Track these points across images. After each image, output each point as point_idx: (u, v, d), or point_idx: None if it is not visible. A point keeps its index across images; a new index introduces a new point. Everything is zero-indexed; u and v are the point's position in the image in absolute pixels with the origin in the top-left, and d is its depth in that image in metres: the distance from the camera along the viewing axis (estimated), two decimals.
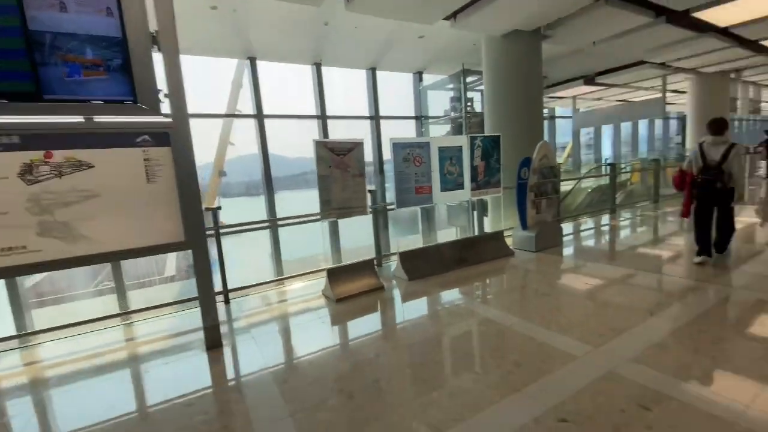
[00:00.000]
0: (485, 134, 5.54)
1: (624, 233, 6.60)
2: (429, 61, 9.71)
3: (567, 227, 7.32)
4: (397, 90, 11.50)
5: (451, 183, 4.98)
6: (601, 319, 3.05)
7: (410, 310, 3.75)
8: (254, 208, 9.15)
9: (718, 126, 4.03)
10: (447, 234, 10.62)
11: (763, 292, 3.38)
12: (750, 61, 10.10)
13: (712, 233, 4.26)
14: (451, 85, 11.75)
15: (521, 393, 2.17)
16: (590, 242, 6.13)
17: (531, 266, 4.79)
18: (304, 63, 8.56)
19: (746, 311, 3.08)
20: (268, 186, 8.22)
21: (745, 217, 6.59)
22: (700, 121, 11.52)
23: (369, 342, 3.03)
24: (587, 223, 7.63)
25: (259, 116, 8.01)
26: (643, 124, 20.73)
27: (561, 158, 17.88)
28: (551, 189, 5.56)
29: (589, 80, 11.43)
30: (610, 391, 2.13)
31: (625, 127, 19.95)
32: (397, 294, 4.13)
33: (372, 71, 9.46)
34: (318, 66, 8.52)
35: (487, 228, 6.87)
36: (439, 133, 11.21)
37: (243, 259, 9.54)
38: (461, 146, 5.00)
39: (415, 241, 9.52)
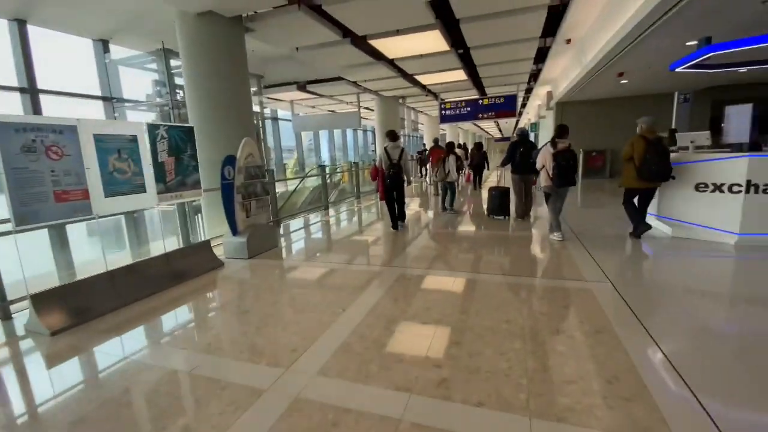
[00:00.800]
0: (172, 123, 4.51)
1: (334, 227, 7.22)
2: (117, 30, 7.46)
3: (291, 225, 7.35)
4: (73, 59, 8.36)
5: (124, 185, 3.70)
6: (298, 329, 2.85)
7: (41, 386, 2.37)
8: None
9: (394, 135, 6.03)
10: (169, 245, 8.68)
11: (426, 269, 4.20)
12: (409, 90, 13.59)
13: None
14: (154, 66, 9.67)
15: None
16: (305, 240, 6.28)
17: (239, 277, 4.25)
18: None
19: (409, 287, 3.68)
20: None
21: (414, 207, 8.63)
22: (382, 132, 14.60)
23: None
24: (307, 220, 7.95)
25: None
26: (350, 133, 24.82)
27: (291, 161, 18.70)
28: (261, 189, 5.22)
29: (301, 87, 12.17)
30: (295, 427, 1.82)
31: (338, 134, 23.26)
32: (16, 365, 2.59)
33: (19, 23, 6.33)
34: None
35: (209, 236, 5.87)
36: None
37: None
38: (135, 136, 3.79)
39: (122, 259, 7.18)
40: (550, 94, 14.38)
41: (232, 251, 4.86)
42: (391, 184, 5.84)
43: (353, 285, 3.74)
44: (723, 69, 6.17)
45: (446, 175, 7.37)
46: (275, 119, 16.74)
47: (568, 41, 8.19)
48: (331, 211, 8.83)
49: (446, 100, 13.81)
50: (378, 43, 8.03)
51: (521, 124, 33.11)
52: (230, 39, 6.15)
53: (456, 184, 7.72)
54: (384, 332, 2.72)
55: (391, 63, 9.62)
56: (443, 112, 13.88)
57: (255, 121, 9.52)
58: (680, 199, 4.88)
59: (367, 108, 16.43)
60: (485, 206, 7.47)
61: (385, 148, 5.81)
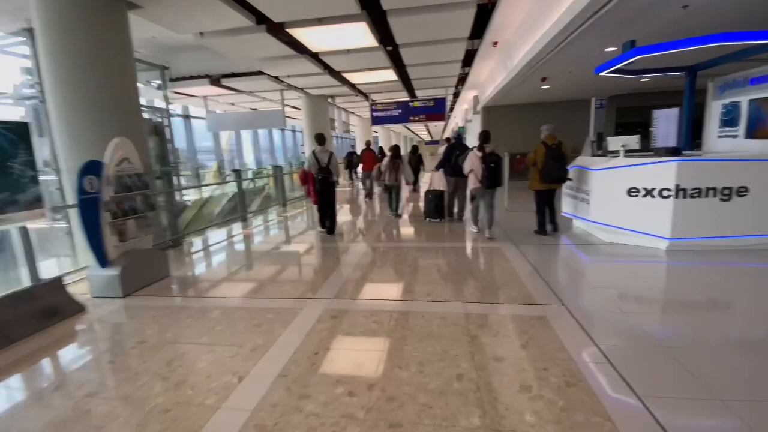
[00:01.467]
0: None
1: (251, 243, 6.20)
2: None
3: (197, 244, 6.13)
4: None
5: None
6: (167, 420, 1.94)
7: None
8: None
9: (322, 138, 5.97)
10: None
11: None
12: (338, 90, 12.82)
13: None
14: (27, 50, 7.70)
15: None
16: (208, 265, 5.18)
17: (100, 329, 3.13)
18: None
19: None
20: None
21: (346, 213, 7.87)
22: (311, 133, 13.64)
23: None
24: (224, 234, 6.78)
25: None
26: (278, 134, 23.25)
27: (214, 165, 16.77)
28: (143, 205, 4.06)
29: (215, 81, 10.74)
30: None
31: (264, 135, 21.62)
32: None
33: None
34: None
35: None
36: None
37: None
38: None
39: None
40: (476, 99, 14.63)
41: (100, 288, 3.66)
42: (321, 188, 5.78)
43: (260, 333, 2.87)
44: (644, 74, 6.39)
45: (397, 180, 7.26)
46: (186, 117, 14.83)
47: (495, 44, 8.11)
48: (254, 222, 7.72)
49: (377, 102, 13.32)
50: (298, 33, 7.14)
51: (449, 129, 34.26)
52: (105, 13, 4.84)
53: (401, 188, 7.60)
54: (295, 418, 1.93)
55: (315, 57, 8.77)
56: (374, 113, 13.37)
57: (160, 119, 8.10)
58: (613, 203, 4.80)
59: (293, 107, 15.30)
60: (422, 208, 7.54)
61: (314, 152, 5.81)
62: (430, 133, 38.86)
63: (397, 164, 7.25)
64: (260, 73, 10.29)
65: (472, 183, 5.31)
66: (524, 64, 7.19)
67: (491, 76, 10.76)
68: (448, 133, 35.63)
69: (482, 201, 5.46)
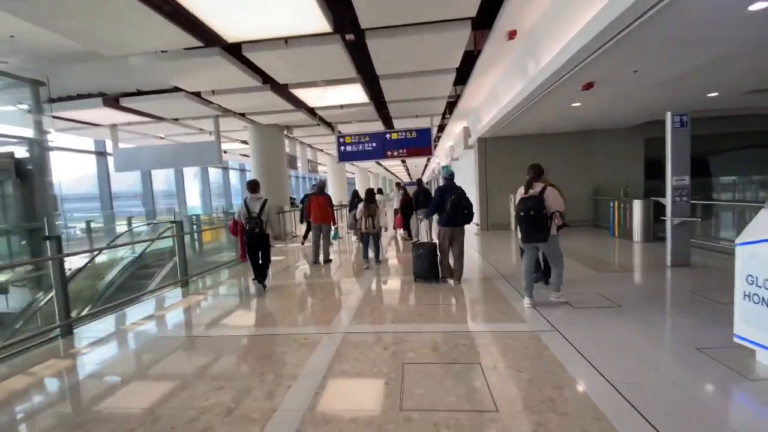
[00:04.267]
0: None
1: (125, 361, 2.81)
2: None
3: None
4: None
5: None
6: None
7: None
8: None
9: (254, 185, 5.28)
10: None
11: None
12: (293, 117, 10.00)
13: None
14: None
15: None
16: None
17: None
18: None
19: None
20: None
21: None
22: (260, 173, 10.57)
23: None
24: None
25: None
26: (236, 175, 20.12)
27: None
28: None
29: (110, 101, 7.67)
30: None
31: (216, 174, 18.42)
32: None
33: None
34: None
35: None
36: None
37: None
38: None
39: None
40: (467, 131, 12.11)
41: None
42: (249, 240, 5.09)
43: None
44: None
45: (374, 226, 6.54)
46: (101, 154, 11.55)
47: (512, 35, 5.48)
48: (138, 314, 4.34)
49: (345, 134, 10.54)
50: (208, 16, 4.25)
51: (429, 170, 32.03)
52: None
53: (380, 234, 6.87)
54: None
55: (241, 59, 5.89)
56: (342, 147, 10.51)
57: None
58: None
59: (244, 142, 12.32)
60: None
61: (245, 200, 5.15)
62: (409, 174, 36.51)
63: (372, 210, 6.54)
64: (176, 90, 7.33)
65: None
66: (563, 62, 4.47)
67: (494, 94, 8.14)
68: (429, 174, 33.35)
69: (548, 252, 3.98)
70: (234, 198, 18.83)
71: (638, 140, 10.01)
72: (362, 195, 7.21)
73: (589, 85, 5.23)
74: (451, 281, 5.19)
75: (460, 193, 5.02)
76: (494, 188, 10.52)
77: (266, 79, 6.90)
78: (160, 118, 9.21)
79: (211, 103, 8.06)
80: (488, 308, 4.01)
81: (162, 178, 15.34)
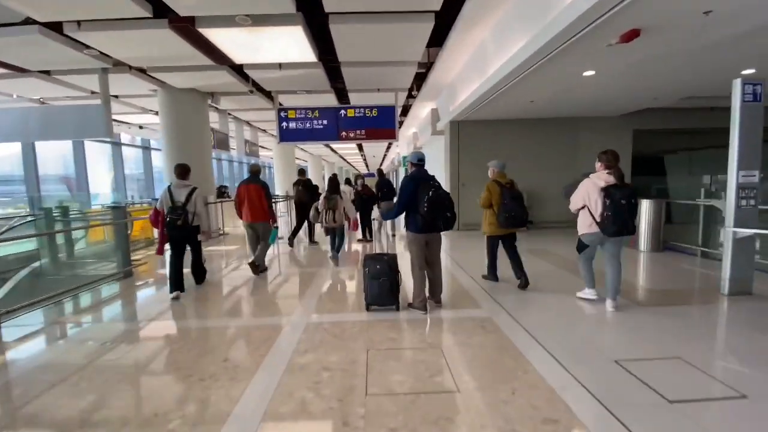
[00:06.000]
0: None
1: None
2: None
3: None
4: None
5: None
6: None
7: None
8: None
9: (183, 169, 4.50)
10: None
11: None
12: (214, 77, 7.68)
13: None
14: None
15: None
16: None
17: None
18: None
19: None
20: None
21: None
22: (170, 152, 8.14)
23: None
24: None
25: None
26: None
27: None
28: None
29: None
30: None
31: (137, 158, 15.20)
32: None
33: None
34: None
35: None
36: None
37: None
38: None
39: None
40: (435, 113, 10.42)
41: None
42: (171, 233, 4.38)
43: None
44: None
45: (335, 220, 5.86)
46: None
47: None
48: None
49: (288, 107, 8.37)
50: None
51: (388, 160, 30.12)
52: None
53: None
54: None
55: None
56: (283, 124, 8.36)
57: None
58: None
59: (152, 111, 9.66)
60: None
61: (169, 187, 4.45)
62: (367, 164, 34.39)
63: (333, 202, 5.85)
64: (29, 22, 4.84)
65: (586, 226, 3.53)
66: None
67: (480, 59, 6.43)
68: (388, 165, 31.39)
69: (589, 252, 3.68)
70: (157, 185, 15.73)
71: (626, 131, 8.88)
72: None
73: (632, 34, 3.62)
74: (419, 311, 3.54)
75: (437, 185, 3.54)
76: (468, 181, 8.92)
77: (160, 8, 4.63)
78: (21, 70, 6.48)
79: (86, 47, 5.58)
80: (505, 372, 2.28)
81: (59, 158, 12.11)
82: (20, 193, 9.97)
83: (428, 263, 3.65)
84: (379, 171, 9.39)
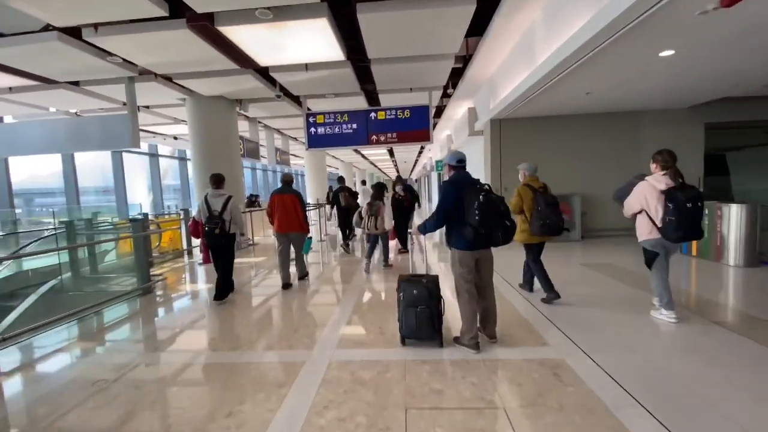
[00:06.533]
0: None
1: None
2: None
3: None
4: None
5: None
6: None
7: None
8: None
9: (218, 179, 4.58)
10: None
11: None
12: (241, 82, 7.41)
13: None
14: None
15: None
16: None
17: None
18: None
19: None
20: None
21: None
22: (198, 160, 7.96)
23: None
24: None
25: None
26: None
27: None
28: None
29: None
30: None
31: (173, 168, 15.53)
32: None
33: None
34: None
35: None
36: None
37: None
38: None
39: None
40: (473, 113, 9.68)
41: None
42: (210, 242, 4.51)
43: None
44: None
45: (377, 227, 5.82)
46: None
47: None
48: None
49: (315, 112, 7.98)
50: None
51: (420, 165, 29.25)
52: None
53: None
54: None
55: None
56: (312, 129, 7.96)
57: None
58: None
59: (179, 120, 9.61)
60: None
61: (206, 197, 4.53)
62: (398, 170, 33.80)
63: (375, 208, 5.82)
64: (48, 29, 4.71)
65: (646, 233, 3.28)
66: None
67: (527, 47, 5.69)
68: (419, 171, 30.50)
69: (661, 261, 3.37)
70: (194, 195, 15.98)
71: (697, 126, 7.73)
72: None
73: None
74: (469, 350, 2.86)
75: (487, 188, 2.85)
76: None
77: (177, 7, 4.31)
78: (49, 81, 6.49)
79: (109, 54, 5.41)
80: None
81: (98, 170, 12.51)
82: (60, 205, 10.25)
83: (478, 288, 2.97)
84: (398, 178, 8.94)
